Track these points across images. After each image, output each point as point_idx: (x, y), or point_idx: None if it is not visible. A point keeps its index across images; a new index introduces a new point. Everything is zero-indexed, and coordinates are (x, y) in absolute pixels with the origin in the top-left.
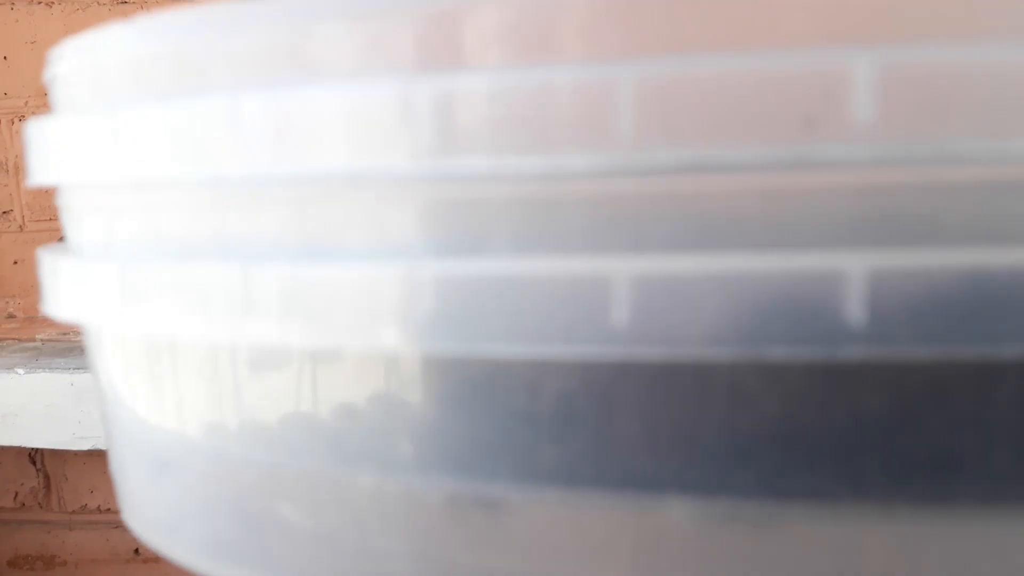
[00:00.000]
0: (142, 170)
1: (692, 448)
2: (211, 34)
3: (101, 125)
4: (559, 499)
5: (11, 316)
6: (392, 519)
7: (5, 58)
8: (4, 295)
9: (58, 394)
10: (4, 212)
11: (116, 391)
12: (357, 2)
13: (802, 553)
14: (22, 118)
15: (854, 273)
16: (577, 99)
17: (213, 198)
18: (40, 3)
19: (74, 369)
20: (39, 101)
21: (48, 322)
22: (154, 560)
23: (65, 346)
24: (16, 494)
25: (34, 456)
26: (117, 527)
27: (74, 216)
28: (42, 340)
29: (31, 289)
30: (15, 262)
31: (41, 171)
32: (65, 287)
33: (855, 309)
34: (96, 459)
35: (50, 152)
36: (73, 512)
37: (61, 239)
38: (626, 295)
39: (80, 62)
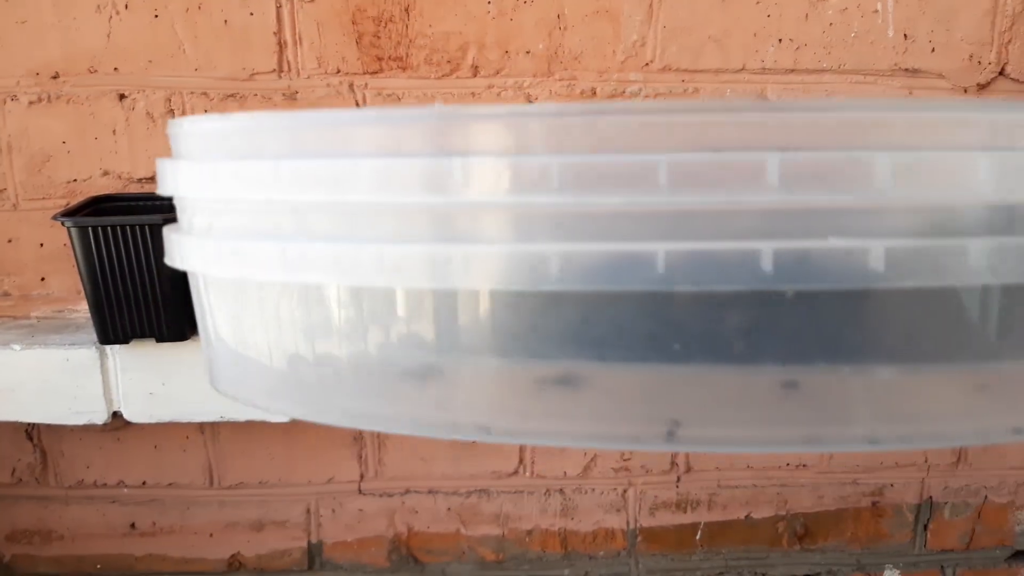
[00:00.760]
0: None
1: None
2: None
3: (214, 169)
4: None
5: (6, 294)
6: (498, 393)
7: None
8: None
9: (54, 370)
10: None
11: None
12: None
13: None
14: (14, 98)
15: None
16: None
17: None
18: None
19: (69, 345)
20: (31, 81)
21: (43, 299)
22: (151, 534)
23: (60, 323)
24: (13, 470)
25: (30, 432)
26: (114, 501)
27: (187, 213)
28: (37, 317)
29: (25, 267)
30: (9, 240)
31: (172, 187)
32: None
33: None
34: (92, 434)
35: (180, 179)
36: (70, 487)
37: (54, 217)
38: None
39: (194, 129)
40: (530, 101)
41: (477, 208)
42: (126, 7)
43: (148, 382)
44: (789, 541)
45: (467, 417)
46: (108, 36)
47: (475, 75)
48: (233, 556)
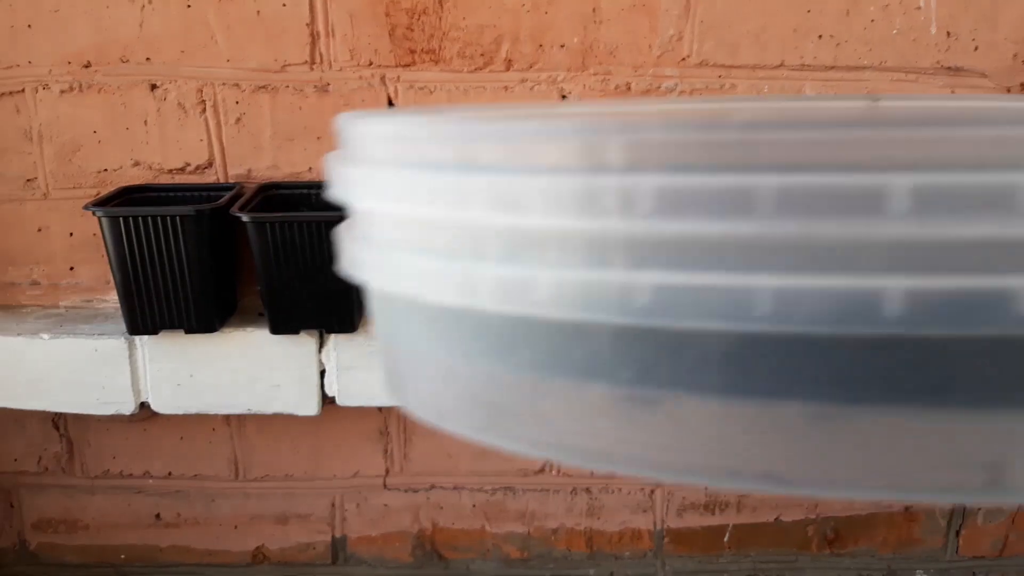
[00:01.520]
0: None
1: (795, 376)
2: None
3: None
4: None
5: (35, 283)
6: (605, 409)
7: (29, 26)
8: (28, 262)
9: (82, 360)
10: (28, 180)
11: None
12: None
13: (857, 434)
14: (46, 87)
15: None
16: None
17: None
18: None
19: (98, 335)
20: (62, 70)
21: (72, 289)
22: (175, 525)
23: (89, 312)
24: (40, 458)
25: (57, 421)
26: (139, 492)
27: (369, 220)
28: (66, 307)
29: (55, 256)
30: (39, 229)
31: (358, 198)
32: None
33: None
34: (119, 424)
35: (366, 189)
36: (96, 477)
37: (85, 207)
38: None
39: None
40: (564, 96)
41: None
42: None
43: (176, 373)
44: (819, 545)
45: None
46: (140, 26)
47: (508, 69)
48: (257, 548)
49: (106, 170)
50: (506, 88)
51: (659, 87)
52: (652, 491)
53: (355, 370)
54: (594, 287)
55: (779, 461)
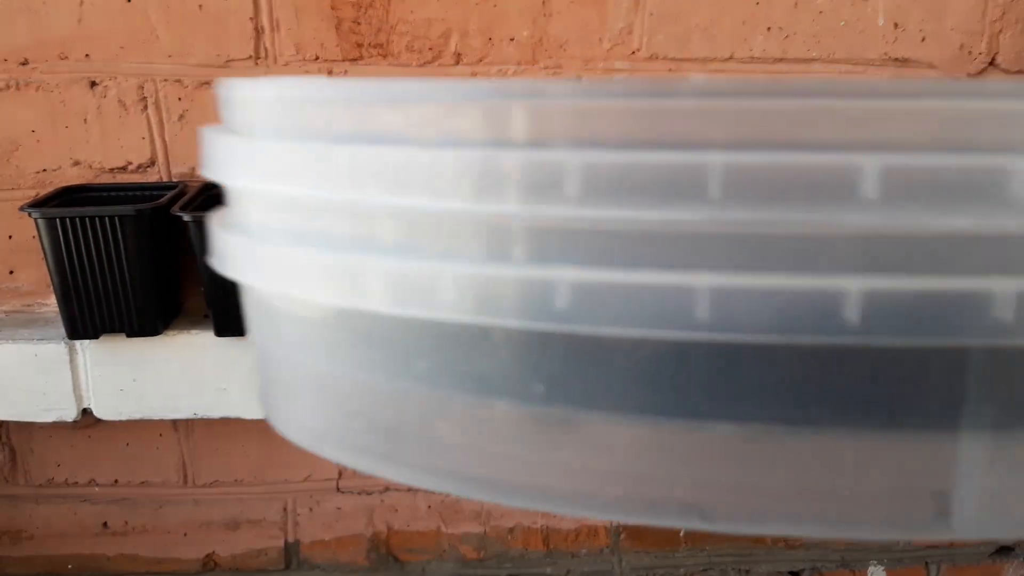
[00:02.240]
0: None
1: (734, 391)
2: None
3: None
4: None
5: None
6: (511, 430)
7: None
8: None
9: (22, 365)
10: None
11: (283, 329)
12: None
13: (798, 460)
14: None
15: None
16: None
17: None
18: None
19: (38, 340)
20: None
21: (11, 293)
22: (123, 533)
23: (29, 317)
24: None
25: None
26: (85, 500)
27: (247, 208)
28: (5, 312)
29: None
30: None
31: (226, 176)
32: (235, 258)
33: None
34: (62, 431)
35: (238, 163)
36: (40, 486)
37: (22, 208)
38: (708, 300)
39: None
40: None
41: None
42: None
43: (118, 378)
44: (773, 538)
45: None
46: (79, 21)
47: (458, 63)
48: (208, 556)
49: (45, 170)
50: None
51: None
52: None
53: None
54: (501, 285)
55: (706, 491)
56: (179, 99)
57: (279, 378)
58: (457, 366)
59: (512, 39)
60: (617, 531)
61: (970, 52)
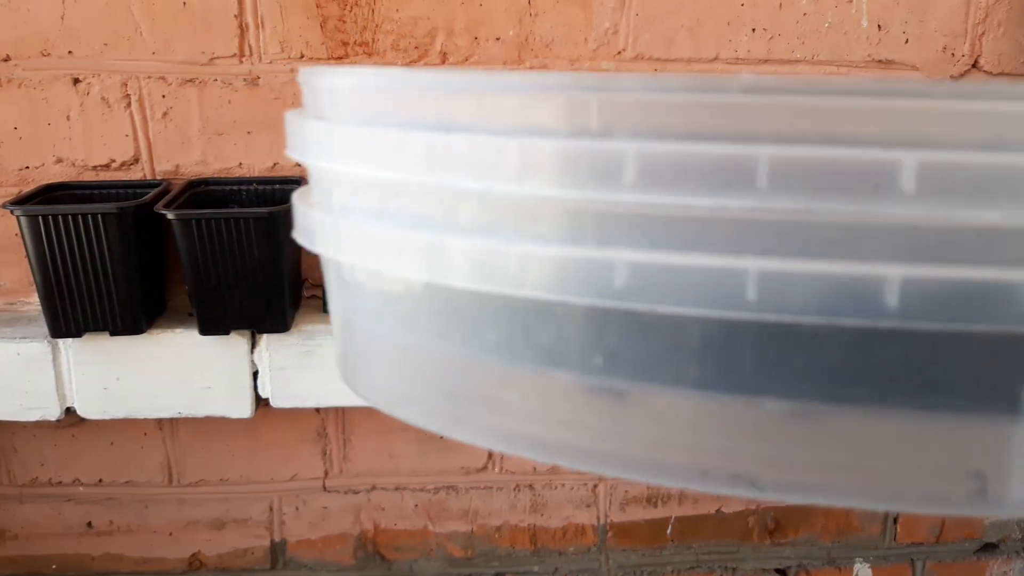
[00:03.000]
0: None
1: (780, 369)
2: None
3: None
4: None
5: None
6: (573, 399)
7: None
8: None
9: (4, 364)
10: None
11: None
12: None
13: (841, 436)
14: None
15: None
16: None
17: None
18: None
19: (20, 339)
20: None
21: None
22: (107, 533)
23: (12, 316)
24: None
25: None
26: (69, 500)
27: (330, 187)
28: None
29: None
30: None
31: (312, 157)
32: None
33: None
34: (46, 430)
35: (323, 146)
36: (23, 485)
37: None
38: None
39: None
40: None
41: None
42: None
43: (102, 377)
44: (760, 535)
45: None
46: (62, 18)
47: (444, 62)
48: (193, 555)
49: (28, 168)
50: None
51: None
52: (595, 486)
53: (289, 370)
54: (566, 264)
55: (754, 462)
56: (163, 96)
57: (358, 346)
58: (523, 338)
59: (498, 38)
60: (604, 529)
61: (953, 54)
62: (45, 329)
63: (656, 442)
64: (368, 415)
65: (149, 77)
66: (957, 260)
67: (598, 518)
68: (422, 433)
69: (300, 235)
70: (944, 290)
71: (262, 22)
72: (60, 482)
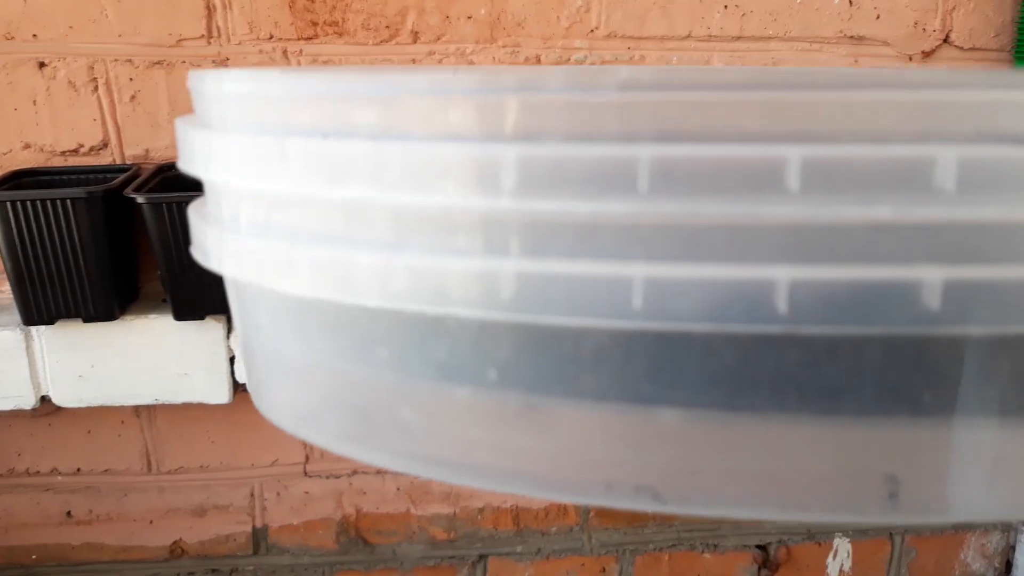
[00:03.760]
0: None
1: (674, 378)
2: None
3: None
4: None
5: None
6: (471, 415)
7: None
8: None
9: None
10: None
11: (266, 324)
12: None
13: (743, 444)
14: None
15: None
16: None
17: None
18: None
19: None
20: None
21: None
22: (87, 522)
23: None
24: None
25: None
26: (47, 490)
27: (220, 199)
28: None
29: None
30: None
31: (203, 168)
32: (209, 248)
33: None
34: (21, 420)
35: (213, 155)
36: (0, 476)
37: None
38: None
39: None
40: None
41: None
42: None
43: (77, 364)
44: None
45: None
46: (25, 0)
47: (415, 41)
48: (175, 543)
49: None
50: (413, 60)
51: (569, 59)
52: None
53: None
54: (453, 275)
55: (657, 474)
56: (130, 79)
57: (258, 363)
58: (416, 353)
59: (470, 17)
60: (586, 509)
61: (924, 29)
62: (17, 317)
63: (558, 457)
64: None
65: (116, 60)
66: (847, 260)
67: (571, 501)
68: None
69: (195, 250)
70: (836, 292)
71: (230, 3)
72: (38, 472)
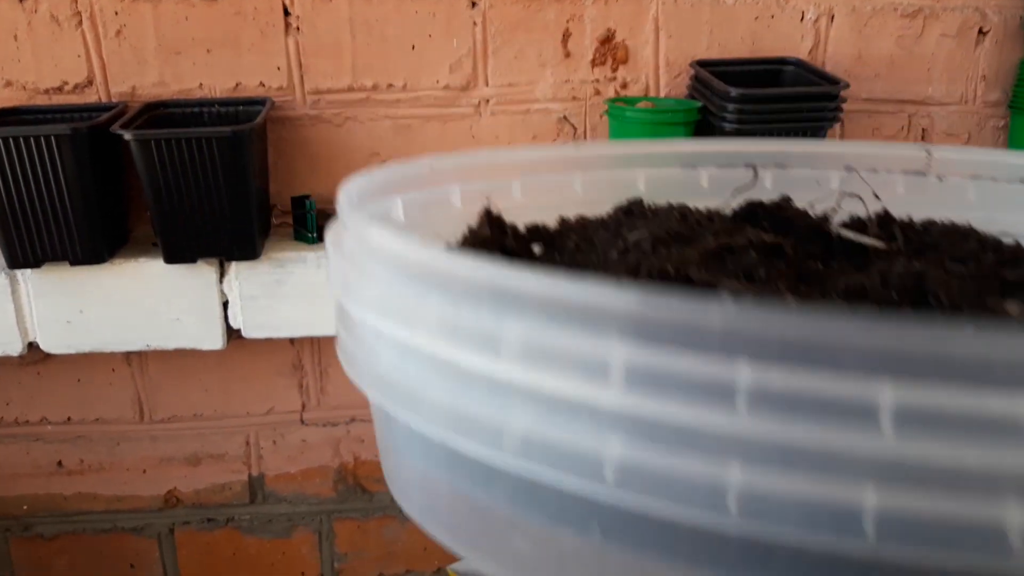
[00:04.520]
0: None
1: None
2: None
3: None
4: None
5: None
6: (576, 560)
7: None
8: None
9: None
10: None
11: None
12: None
13: None
14: None
15: None
16: None
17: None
18: None
19: None
20: None
21: None
22: (79, 472)
23: None
24: None
25: None
26: (38, 439)
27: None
28: None
29: None
30: None
31: (350, 298)
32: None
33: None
34: (9, 368)
35: (358, 287)
36: None
37: None
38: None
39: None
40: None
41: None
42: None
43: (64, 309)
44: None
45: None
46: None
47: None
48: (169, 492)
49: None
50: None
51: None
52: None
53: (260, 299)
54: (562, 448)
55: None
56: (115, 13)
57: (392, 457)
58: (528, 497)
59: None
60: None
61: None
62: (1, 260)
63: None
64: None
65: None
66: (935, 493)
67: None
68: None
69: (342, 358)
70: (923, 521)
71: None
72: (27, 421)
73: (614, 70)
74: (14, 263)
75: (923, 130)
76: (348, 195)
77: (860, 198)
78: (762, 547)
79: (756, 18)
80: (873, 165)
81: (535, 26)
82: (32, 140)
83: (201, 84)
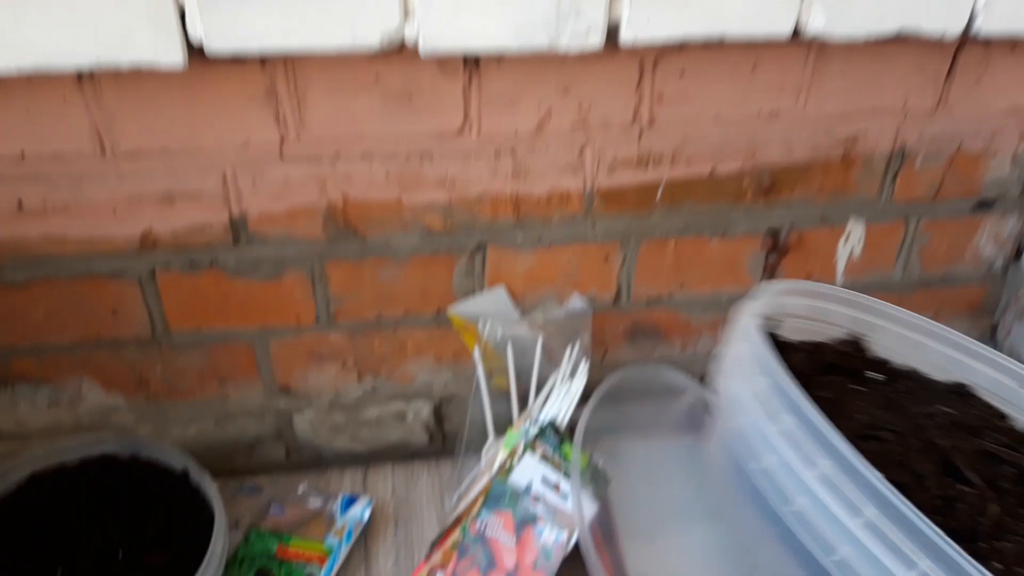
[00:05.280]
0: None
1: None
2: None
3: None
4: None
5: None
6: None
7: None
8: None
9: None
10: None
11: None
12: None
13: None
14: None
15: None
16: None
17: None
18: None
19: None
20: None
21: None
22: (41, 213)
23: None
24: None
25: None
26: None
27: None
28: None
29: None
30: None
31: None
32: None
33: None
34: None
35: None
36: None
37: None
38: None
39: None
40: None
41: None
42: None
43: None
44: (754, 195)
45: None
46: None
47: None
48: (145, 233)
49: None
50: None
51: None
52: (582, 149)
53: (222, 4)
54: None
55: None
56: None
57: None
58: None
59: None
60: (591, 195)
61: None
62: None
63: None
64: (322, 70)
65: None
66: None
67: (585, 183)
68: (387, 92)
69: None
70: None
71: None
72: None
73: None
74: None
75: None
76: None
77: None
78: None
79: None
80: None
81: None
82: None
83: None
